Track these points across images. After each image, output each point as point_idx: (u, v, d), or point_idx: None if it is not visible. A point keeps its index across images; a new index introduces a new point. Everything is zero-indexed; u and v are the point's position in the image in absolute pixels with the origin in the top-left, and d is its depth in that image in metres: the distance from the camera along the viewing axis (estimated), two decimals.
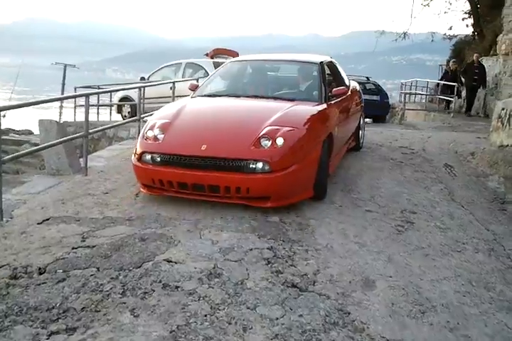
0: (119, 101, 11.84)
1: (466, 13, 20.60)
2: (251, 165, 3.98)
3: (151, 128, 4.49)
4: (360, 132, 6.95)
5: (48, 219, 3.96)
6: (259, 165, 3.97)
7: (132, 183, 5.04)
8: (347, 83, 6.40)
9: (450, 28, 21.14)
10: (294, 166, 4.02)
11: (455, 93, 14.14)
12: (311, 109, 4.79)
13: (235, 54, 14.04)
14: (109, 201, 4.46)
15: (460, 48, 30.44)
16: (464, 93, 15.15)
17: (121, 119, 11.88)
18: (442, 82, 15.31)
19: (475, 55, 14.09)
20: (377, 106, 13.72)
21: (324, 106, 4.98)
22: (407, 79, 20.50)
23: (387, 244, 3.68)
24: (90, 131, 5.49)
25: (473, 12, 18.64)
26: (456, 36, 22.17)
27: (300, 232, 3.76)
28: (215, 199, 4.14)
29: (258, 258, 3.25)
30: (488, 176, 5.87)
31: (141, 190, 4.54)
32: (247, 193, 3.98)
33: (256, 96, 5.18)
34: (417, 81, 18.97)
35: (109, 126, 6.16)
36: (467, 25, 23.94)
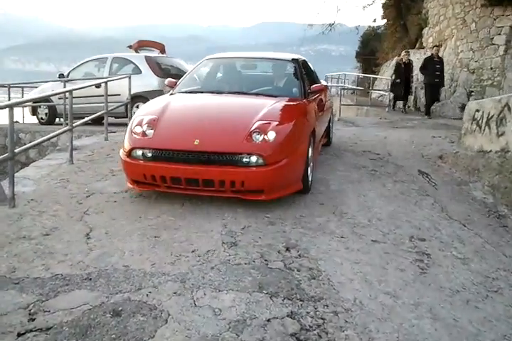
0: (34, 101, 10.30)
1: (386, 5, 20.75)
2: (244, 159, 4.04)
3: (139, 124, 4.43)
4: (330, 128, 7.11)
5: None
6: (253, 158, 4.03)
7: (78, 217, 4.03)
8: (319, 80, 6.61)
9: (374, 21, 21.26)
10: (285, 159, 4.10)
11: (401, 89, 12.96)
12: (295, 104, 4.95)
13: (160, 46, 12.90)
14: (53, 247, 3.44)
15: (368, 39, 31.17)
16: (418, 91, 14.33)
17: (37, 122, 10.41)
18: (385, 78, 15.00)
19: (435, 48, 12.48)
20: None
21: (305, 101, 5.16)
22: (316, 69, 20.19)
23: (419, 291, 3.03)
24: (17, 150, 4.34)
25: (396, 4, 18.75)
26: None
27: (315, 283, 3.00)
28: (209, 193, 4.18)
29: (283, 335, 2.46)
30: (468, 184, 5.47)
31: (130, 186, 4.50)
32: (242, 187, 4.04)
33: (238, 93, 5.26)
34: (345, 74, 18.78)
35: (39, 140, 4.95)
36: (381, 18, 24.38)
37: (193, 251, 3.36)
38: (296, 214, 4.15)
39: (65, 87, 9.19)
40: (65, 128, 5.61)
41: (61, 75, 9.87)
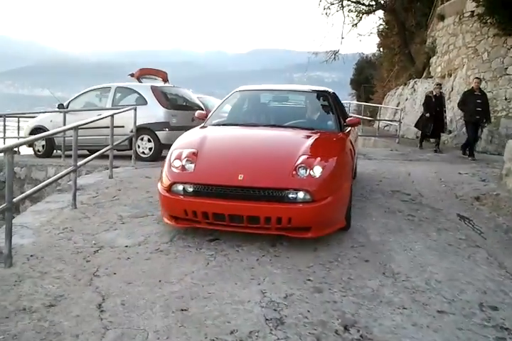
0: (31, 131, 9.75)
1: (388, 34, 20.66)
2: (291, 195, 3.91)
3: (178, 157, 4.31)
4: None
5: None
6: (301, 194, 3.90)
7: (86, 280, 3.41)
8: (347, 113, 6.61)
9: (378, 49, 21.09)
10: (332, 195, 3.99)
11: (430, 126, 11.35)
12: (335, 138, 4.89)
13: (163, 74, 12.46)
14: (60, 325, 2.82)
15: (362, 67, 31.20)
16: (458, 128, 12.66)
17: (33, 154, 9.82)
18: (391, 107, 14.47)
19: (475, 80, 10.60)
20: None
21: (343, 135, 5.08)
22: None
23: None
24: (15, 199, 3.74)
25: (400, 33, 18.59)
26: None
27: None
28: (252, 230, 4.01)
29: None
30: None
31: (167, 222, 4.33)
32: (289, 223, 3.89)
33: (272, 126, 5.14)
34: (349, 103, 18.40)
35: (40, 186, 4.31)
36: (377, 46, 24.39)
37: (231, 333, 2.75)
38: (343, 276, 3.55)
39: (64, 118, 8.66)
40: (69, 169, 5.02)
41: (60, 105, 9.32)
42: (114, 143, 6.81)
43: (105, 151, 6.42)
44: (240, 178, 3.95)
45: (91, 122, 5.79)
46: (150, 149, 8.70)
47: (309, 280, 3.46)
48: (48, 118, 9.65)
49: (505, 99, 11.65)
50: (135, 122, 7.81)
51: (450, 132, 12.79)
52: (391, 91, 18.55)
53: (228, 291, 3.26)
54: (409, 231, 4.71)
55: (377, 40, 25.25)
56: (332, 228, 4.17)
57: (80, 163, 5.27)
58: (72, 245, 4.13)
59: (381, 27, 23.19)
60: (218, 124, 5.34)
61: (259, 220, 3.89)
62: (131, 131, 8.01)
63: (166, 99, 8.89)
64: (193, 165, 4.19)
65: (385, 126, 16.54)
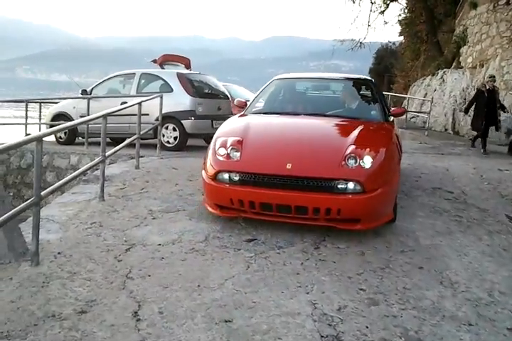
0: (53, 118, 9.51)
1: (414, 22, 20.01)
2: (340, 185, 3.81)
3: (223, 145, 4.22)
4: None
5: None
6: (351, 185, 3.80)
7: (119, 282, 3.16)
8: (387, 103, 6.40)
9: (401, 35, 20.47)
10: (383, 187, 3.89)
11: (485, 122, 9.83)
12: (382, 128, 4.78)
13: (186, 61, 12.14)
14: (93, 336, 2.57)
15: (382, 56, 30.44)
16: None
17: (55, 140, 9.60)
18: (418, 98, 13.76)
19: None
20: None
21: (389, 126, 4.95)
22: None
23: None
24: (43, 192, 3.47)
25: (429, 21, 17.95)
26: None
27: None
28: (300, 221, 3.93)
29: None
30: None
31: (211, 211, 4.27)
32: (338, 215, 3.80)
33: (315, 115, 4.98)
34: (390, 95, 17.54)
35: (69, 178, 4.02)
36: (399, 34, 23.71)
37: None
38: (398, 286, 3.24)
39: (88, 104, 8.40)
40: (98, 160, 4.74)
41: (84, 92, 9.05)
42: (142, 133, 6.52)
43: (133, 140, 6.14)
44: (288, 167, 3.85)
45: (121, 110, 5.50)
46: (175, 138, 8.40)
47: (362, 289, 3.16)
48: (70, 105, 9.38)
49: None
50: (161, 110, 7.51)
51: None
52: (417, 82, 17.94)
53: (274, 301, 2.97)
54: (459, 234, 4.38)
55: (398, 28, 24.53)
56: (380, 220, 4.06)
57: (108, 153, 4.99)
58: (102, 242, 3.88)
59: (404, 15, 22.50)
60: (259, 112, 5.21)
61: (308, 211, 3.79)
62: (156, 120, 7.72)
63: (192, 87, 8.56)
64: (238, 154, 4.11)
65: (411, 118, 16.03)
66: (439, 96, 14.88)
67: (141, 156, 7.22)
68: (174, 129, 8.37)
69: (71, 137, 9.37)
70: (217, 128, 8.62)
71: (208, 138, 9.59)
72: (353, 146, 4.02)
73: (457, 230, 4.48)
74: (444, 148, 10.83)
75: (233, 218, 4.34)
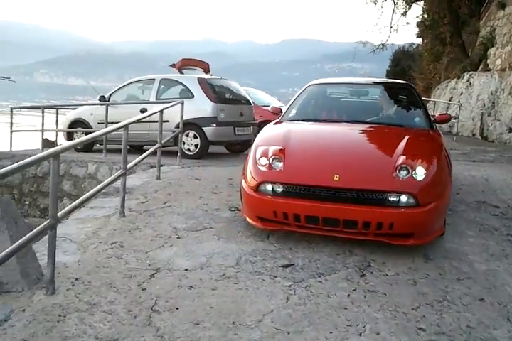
0: (70, 124, 9.24)
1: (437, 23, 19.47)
2: (392, 198, 3.60)
3: (264, 154, 4.02)
4: None
5: None
6: (403, 198, 3.60)
7: (144, 317, 2.79)
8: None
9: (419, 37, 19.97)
10: (436, 200, 3.69)
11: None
12: (430, 137, 4.52)
13: (205, 65, 11.81)
14: None
15: (399, 58, 29.87)
16: None
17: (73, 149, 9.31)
18: (443, 102, 13.36)
19: None
20: None
21: (435, 133, 4.67)
22: None
23: None
24: (59, 213, 3.12)
25: (453, 22, 17.42)
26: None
27: None
28: (348, 235, 3.73)
29: None
30: None
31: (252, 223, 4.06)
32: (390, 229, 3.59)
33: (357, 122, 4.73)
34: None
35: (83, 198, 3.66)
36: (416, 36, 23.17)
37: None
38: (461, 323, 2.83)
39: (107, 111, 8.11)
40: (118, 173, 4.41)
41: (102, 98, 8.75)
42: (164, 141, 6.19)
43: (154, 150, 5.80)
44: (335, 179, 3.67)
45: (142, 119, 5.16)
46: (196, 146, 8.05)
47: (421, 329, 2.75)
48: (87, 111, 9.11)
49: None
50: (182, 117, 7.18)
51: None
52: (441, 85, 17.42)
53: None
54: None
55: (415, 30, 23.99)
56: (433, 235, 3.85)
57: (129, 165, 4.65)
58: (124, 266, 3.52)
59: (425, 16, 21.96)
60: (296, 119, 4.96)
61: (357, 225, 3.60)
62: (177, 127, 7.38)
63: (214, 92, 8.20)
64: (281, 164, 3.91)
65: None
66: (466, 99, 14.38)
67: (162, 165, 6.89)
68: (195, 136, 8.03)
69: (89, 145, 9.09)
70: (239, 135, 8.31)
71: (229, 145, 9.33)
72: (403, 156, 3.78)
73: None
74: (475, 154, 10.34)
75: (265, 238, 3.98)
